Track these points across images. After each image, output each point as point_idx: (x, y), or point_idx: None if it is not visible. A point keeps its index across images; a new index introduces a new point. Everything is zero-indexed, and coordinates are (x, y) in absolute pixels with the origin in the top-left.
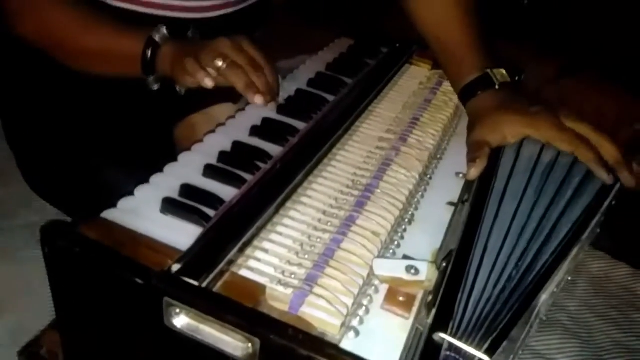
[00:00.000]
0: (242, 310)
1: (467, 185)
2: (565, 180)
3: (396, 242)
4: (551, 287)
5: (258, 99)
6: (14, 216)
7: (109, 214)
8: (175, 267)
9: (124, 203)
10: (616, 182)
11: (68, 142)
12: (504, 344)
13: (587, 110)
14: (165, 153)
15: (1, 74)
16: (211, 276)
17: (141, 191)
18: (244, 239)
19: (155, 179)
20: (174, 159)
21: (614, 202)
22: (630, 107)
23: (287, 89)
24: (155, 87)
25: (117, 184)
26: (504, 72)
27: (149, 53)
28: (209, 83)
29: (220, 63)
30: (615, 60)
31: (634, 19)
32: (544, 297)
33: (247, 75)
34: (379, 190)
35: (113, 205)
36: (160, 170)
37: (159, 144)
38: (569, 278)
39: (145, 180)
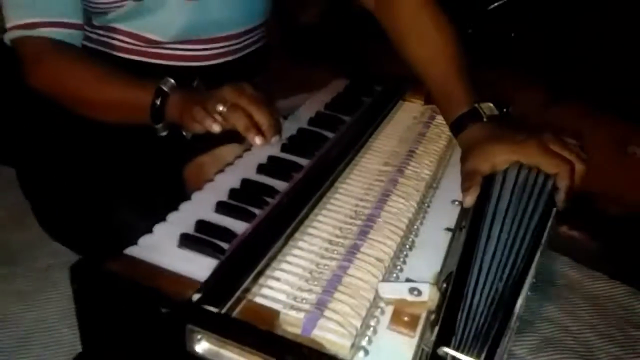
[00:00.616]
0: (260, 333)
1: (463, 211)
2: (531, 196)
3: (399, 267)
4: (524, 291)
5: (258, 140)
6: (30, 259)
7: (132, 251)
8: (196, 297)
9: (144, 240)
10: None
11: (81, 187)
12: (498, 350)
13: (578, 135)
14: (176, 193)
15: (14, 123)
16: (229, 303)
17: (159, 228)
18: (257, 269)
19: (171, 217)
20: (184, 199)
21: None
22: (619, 130)
23: (290, 128)
24: (164, 133)
25: (130, 224)
26: (491, 105)
27: (158, 102)
28: (215, 128)
29: (221, 107)
30: (603, 85)
31: (618, 47)
32: (519, 301)
33: (247, 118)
34: (380, 219)
35: (134, 242)
36: (175, 208)
37: (169, 184)
38: (534, 280)
39: (160, 219)
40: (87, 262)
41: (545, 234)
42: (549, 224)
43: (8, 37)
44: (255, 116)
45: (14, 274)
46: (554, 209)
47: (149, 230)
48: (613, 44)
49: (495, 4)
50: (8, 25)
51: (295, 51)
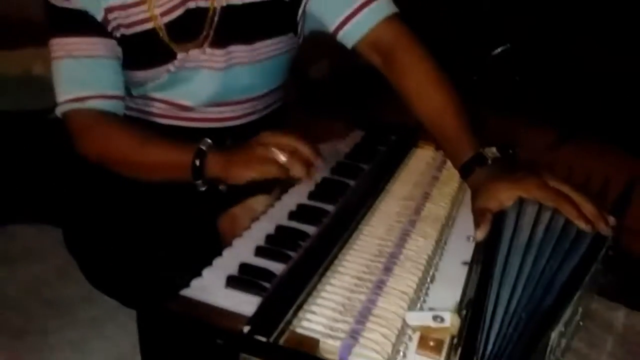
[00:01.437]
0: (306, 358)
1: (478, 246)
2: (561, 235)
3: (422, 298)
4: (559, 327)
5: (305, 174)
6: (77, 311)
7: (186, 292)
8: (246, 329)
9: (195, 282)
10: (606, 236)
11: (123, 242)
12: None
13: (590, 172)
14: (212, 243)
15: (61, 187)
16: (275, 333)
17: (208, 272)
18: (297, 303)
19: (217, 261)
20: (220, 247)
21: (610, 252)
22: (631, 167)
23: (314, 177)
24: (203, 189)
25: (172, 274)
26: (494, 149)
27: (198, 162)
28: (273, 171)
29: (283, 158)
30: (610, 123)
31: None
32: (553, 335)
33: (302, 164)
34: (402, 256)
35: (187, 285)
36: (212, 256)
37: (206, 235)
38: (581, 323)
39: (200, 266)
40: (151, 304)
41: (589, 275)
42: (594, 266)
43: (59, 110)
44: (303, 150)
45: (65, 325)
46: (602, 252)
47: (193, 277)
48: (618, 83)
49: (499, 50)
50: (59, 99)
51: (309, 106)
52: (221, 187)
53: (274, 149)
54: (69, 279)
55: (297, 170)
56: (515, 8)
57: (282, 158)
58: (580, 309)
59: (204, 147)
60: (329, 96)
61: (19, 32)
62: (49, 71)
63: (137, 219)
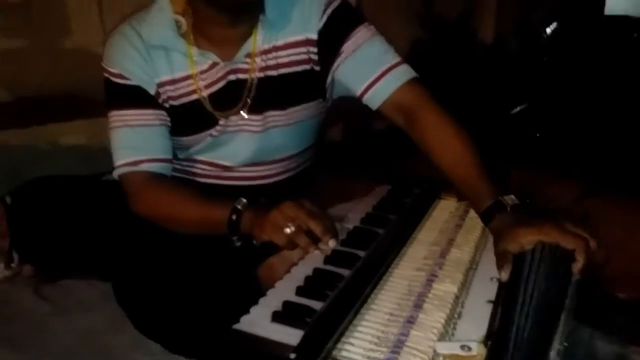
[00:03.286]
0: None
1: (501, 286)
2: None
3: (450, 332)
4: (555, 344)
5: (316, 252)
6: (127, 357)
7: (237, 326)
8: (293, 355)
9: (245, 318)
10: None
11: (170, 293)
12: None
13: (616, 225)
14: (252, 291)
15: (109, 243)
16: None
17: (255, 309)
18: (335, 335)
19: (262, 300)
20: (259, 295)
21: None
22: None
23: (346, 227)
24: (239, 244)
25: (217, 322)
26: (513, 196)
27: (234, 218)
28: (282, 243)
29: (288, 230)
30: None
31: None
32: (552, 353)
33: (307, 236)
34: (431, 295)
35: (237, 321)
36: (264, 294)
37: (246, 284)
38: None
39: (241, 311)
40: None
41: (567, 301)
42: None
43: (116, 172)
44: (313, 227)
45: None
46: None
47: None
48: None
49: (518, 109)
50: (116, 163)
51: (334, 166)
52: (255, 242)
53: (287, 221)
54: (118, 328)
55: (301, 242)
56: (532, 70)
57: (288, 230)
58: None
59: (239, 206)
60: (349, 156)
61: (69, 106)
62: (97, 140)
63: (181, 271)
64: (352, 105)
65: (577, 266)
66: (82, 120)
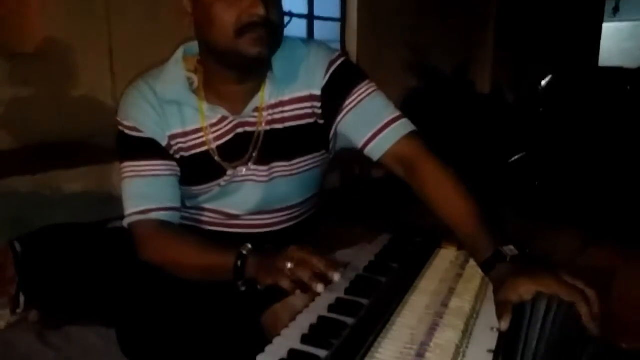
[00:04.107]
0: None
1: (501, 335)
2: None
3: None
4: None
5: (320, 287)
6: None
7: None
8: None
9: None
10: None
11: (175, 339)
12: None
13: (617, 275)
14: (257, 338)
15: (113, 290)
16: None
17: (261, 357)
18: None
19: (269, 348)
20: (263, 343)
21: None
22: None
23: (348, 276)
24: (243, 288)
25: None
26: (512, 247)
27: (239, 264)
28: (285, 283)
29: (289, 265)
30: (633, 225)
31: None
32: None
33: (310, 271)
34: (432, 344)
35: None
36: (268, 342)
37: (251, 332)
38: None
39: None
40: None
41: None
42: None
43: (126, 221)
44: (316, 264)
45: None
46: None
47: None
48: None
49: (516, 157)
50: (127, 212)
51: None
52: (259, 286)
53: (292, 266)
54: None
55: (305, 277)
56: (528, 120)
57: (289, 265)
58: None
59: (244, 251)
60: (348, 202)
61: (74, 154)
62: (101, 187)
63: (186, 318)
64: (349, 153)
65: (586, 319)
66: (87, 167)
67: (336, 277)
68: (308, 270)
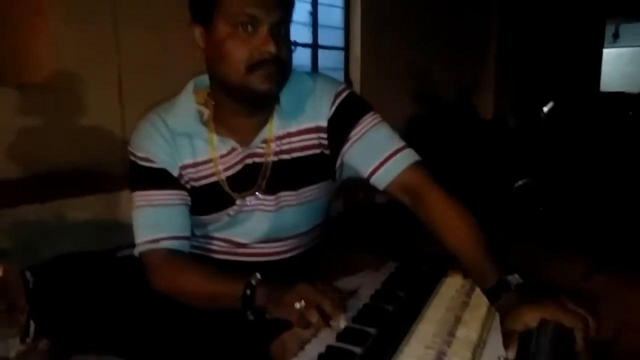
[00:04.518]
0: None
1: None
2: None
3: None
4: None
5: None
6: None
7: None
8: None
9: None
10: None
11: None
12: None
13: (624, 302)
14: None
15: (121, 318)
16: None
17: None
18: None
19: None
20: None
21: None
22: None
23: (355, 305)
24: (252, 317)
25: None
26: (517, 275)
27: (248, 292)
28: (294, 321)
29: (298, 305)
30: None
31: None
32: None
33: (318, 315)
34: None
35: None
36: None
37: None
38: None
39: None
40: None
41: None
42: None
43: (137, 250)
44: (324, 306)
45: None
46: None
47: None
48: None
49: (520, 183)
50: (138, 241)
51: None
52: (268, 315)
53: (301, 305)
54: None
55: (313, 318)
56: (531, 146)
57: (298, 306)
58: None
59: (253, 281)
60: (352, 229)
61: (82, 182)
62: (109, 215)
63: (195, 347)
64: (353, 180)
65: (578, 344)
66: (94, 196)
67: (342, 324)
68: (316, 314)
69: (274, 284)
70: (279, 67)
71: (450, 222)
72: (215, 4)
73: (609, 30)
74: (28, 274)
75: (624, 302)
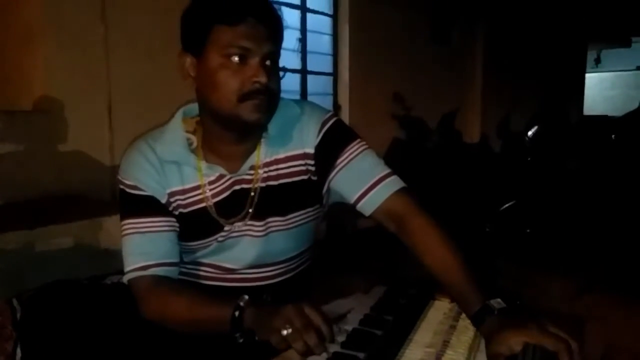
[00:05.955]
0: None
1: None
2: None
3: None
4: None
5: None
6: None
7: None
8: None
9: None
10: None
11: None
12: None
13: (614, 322)
14: None
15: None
16: None
17: None
18: None
19: None
20: None
21: None
22: None
23: (344, 329)
24: (241, 340)
25: None
26: (500, 300)
27: (237, 314)
28: (281, 346)
29: (285, 332)
30: (628, 273)
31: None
32: None
33: (304, 342)
34: None
35: None
36: None
37: None
38: None
39: None
40: None
41: None
42: None
43: (126, 277)
44: (307, 339)
45: None
46: None
47: None
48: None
49: (507, 205)
50: (127, 269)
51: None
52: (257, 337)
53: (287, 332)
54: None
55: (298, 346)
56: (517, 169)
57: (284, 333)
58: None
59: (241, 303)
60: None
61: (66, 209)
62: (94, 241)
63: None
64: (338, 205)
65: None
66: (81, 222)
67: (325, 354)
68: (302, 342)
69: (262, 307)
70: (269, 98)
71: (434, 249)
72: (208, 36)
73: (591, 56)
74: (15, 302)
75: (611, 322)
